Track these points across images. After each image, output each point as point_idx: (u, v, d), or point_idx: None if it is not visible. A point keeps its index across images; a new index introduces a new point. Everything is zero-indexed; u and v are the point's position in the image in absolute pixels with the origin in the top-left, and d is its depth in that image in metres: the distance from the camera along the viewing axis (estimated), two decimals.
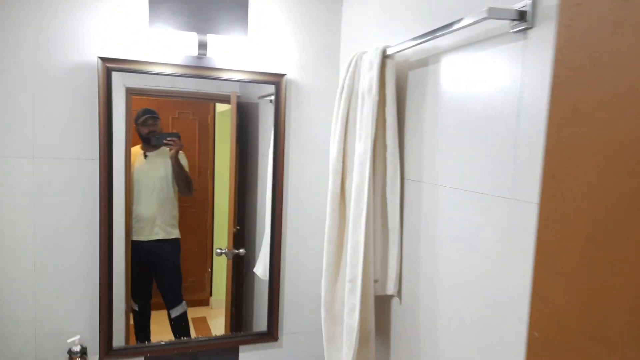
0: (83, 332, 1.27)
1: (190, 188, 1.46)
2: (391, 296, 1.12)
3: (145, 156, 1.39)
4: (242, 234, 1.56)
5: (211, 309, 1.57)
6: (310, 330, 1.50)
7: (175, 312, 1.46)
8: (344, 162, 1.14)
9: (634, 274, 0.43)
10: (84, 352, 1.27)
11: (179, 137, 1.40)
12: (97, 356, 1.29)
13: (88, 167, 1.24)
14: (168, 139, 1.39)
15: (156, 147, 1.39)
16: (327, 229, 1.15)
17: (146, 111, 1.37)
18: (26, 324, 1.23)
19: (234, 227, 1.56)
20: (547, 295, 0.48)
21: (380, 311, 1.16)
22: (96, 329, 1.28)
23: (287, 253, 1.48)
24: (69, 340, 1.25)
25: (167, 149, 1.40)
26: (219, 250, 1.52)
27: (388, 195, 1.07)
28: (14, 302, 1.21)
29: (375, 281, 1.11)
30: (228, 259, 1.51)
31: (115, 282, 1.29)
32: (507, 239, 0.73)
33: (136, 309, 1.40)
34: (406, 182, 1.06)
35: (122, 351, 1.31)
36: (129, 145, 1.33)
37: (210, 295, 1.59)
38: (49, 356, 1.25)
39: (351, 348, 1.06)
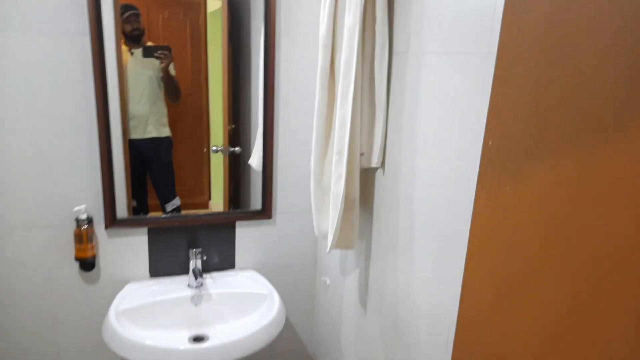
0: (88, 203, 1.37)
1: (179, 96, 1.48)
2: (375, 168, 1.20)
3: (132, 53, 1.38)
4: (237, 132, 1.60)
5: (211, 211, 1.65)
6: (301, 211, 1.60)
7: (171, 207, 1.54)
8: (333, 36, 1.15)
9: (569, 96, 0.48)
10: (90, 220, 1.37)
11: (169, 50, 1.40)
12: (103, 225, 1.40)
13: (80, 45, 1.25)
14: (159, 52, 1.38)
15: (139, 44, 1.38)
16: (316, 105, 1.19)
17: (127, 7, 1.33)
18: (32, 193, 1.31)
19: (229, 125, 1.60)
20: (499, 108, 0.54)
21: (364, 182, 1.24)
22: (100, 202, 1.37)
23: (280, 141, 1.53)
24: (75, 209, 1.34)
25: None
26: (214, 148, 1.57)
27: (376, 69, 1.10)
28: (19, 171, 1.28)
29: (361, 154, 1.18)
30: (224, 156, 1.57)
31: (115, 156, 1.36)
32: (481, 90, 0.77)
33: (134, 205, 1.48)
34: (394, 55, 1.08)
35: (126, 221, 1.42)
36: (119, 41, 1.32)
37: (210, 199, 1.67)
38: (57, 223, 1.35)
39: (337, 213, 1.15)
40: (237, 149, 1.58)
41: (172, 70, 1.43)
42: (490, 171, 0.55)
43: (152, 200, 1.54)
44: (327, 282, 1.59)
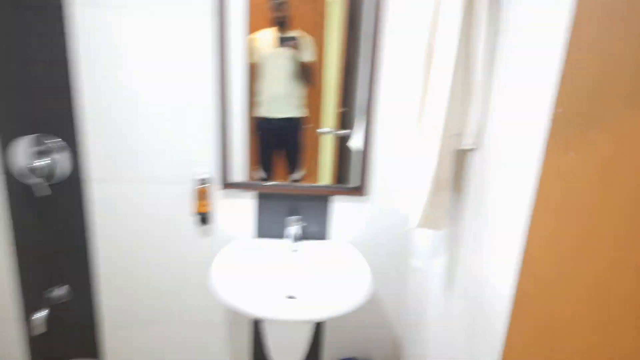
0: (208, 166, 1.56)
1: (309, 80, 1.61)
2: (470, 149, 1.18)
3: (279, 39, 1.53)
4: (348, 116, 1.67)
5: (312, 183, 1.75)
6: (396, 191, 1.63)
7: (297, 177, 1.67)
8: (437, 16, 1.15)
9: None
10: (208, 181, 1.57)
11: (295, 39, 1.53)
12: (219, 186, 1.59)
13: (207, 25, 1.43)
14: (289, 42, 1.53)
15: (285, 30, 1.52)
16: (416, 85, 1.21)
17: None
18: (165, 153, 1.54)
19: (340, 108, 1.68)
20: (571, 73, 0.52)
21: (459, 164, 1.23)
22: (219, 165, 1.56)
23: (379, 122, 1.57)
24: (197, 169, 1.55)
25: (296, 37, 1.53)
26: (325, 130, 1.66)
27: (477, 48, 1.08)
28: (156, 133, 1.52)
29: (456, 135, 1.17)
30: (333, 137, 1.66)
31: (235, 128, 1.53)
32: None
33: (264, 177, 1.64)
34: (497, 34, 1.05)
35: (238, 185, 1.59)
36: (246, 23, 1.47)
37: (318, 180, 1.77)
38: (184, 180, 1.57)
39: (425, 192, 1.16)
40: (346, 131, 1.65)
41: (308, 57, 1.55)
42: (558, 139, 0.53)
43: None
44: (417, 265, 1.60)
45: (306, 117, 1.64)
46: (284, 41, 1.54)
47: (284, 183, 1.64)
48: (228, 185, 1.59)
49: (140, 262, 1.66)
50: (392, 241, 1.70)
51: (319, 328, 1.80)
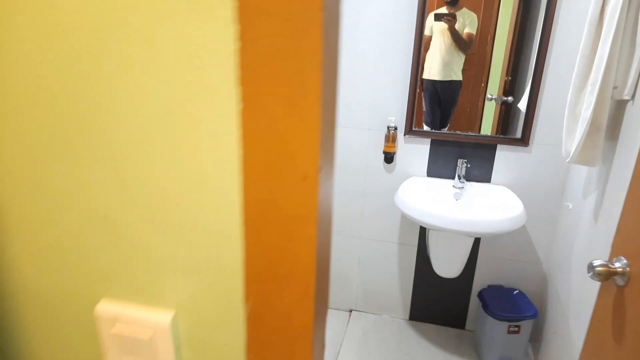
0: (396, 116, 2.04)
1: (463, 48, 1.95)
2: (627, 100, 1.42)
3: (449, 13, 1.91)
4: (513, 83, 1.97)
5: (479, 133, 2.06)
6: (556, 144, 1.89)
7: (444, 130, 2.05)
8: None
9: None
10: (395, 128, 2.04)
11: (453, 17, 1.88)
12: (403, 132, 2.05)
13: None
14: (444, 17, 1.88)
15: (456, 7, 1.89)
16: (581, 47, 1.48)
17: None
18: (365, 106, 2.06)
19: (506, 76, 1.99)
20: None
21: (616, 113, 1.47)
22: (404, 116, 2.02)
23: (547, 81, 1.84)
24: (388, 118, 2.04)
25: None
26: (489, 96, 1.99)
27: None
28: (359, 92, 2.04)
29: (615, 87, 1.42)
30: (497, 103, 1.98)
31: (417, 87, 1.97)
32: None
33: (429, 129, 2.05)
34: None
35: (417, 132, 2.04)
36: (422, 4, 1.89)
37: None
38: (377, 127, 2.08)
39: (581, 133, 1.45)
40: (509, 98, 1.96)
41: (467, 29, 1.91)
42: None
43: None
44: (570, 207, 1.85)
45: (460, 81, 1.98)
46: (439, 17, 1.91)
47: (458, 132, 2.03)
48: (410, 132, 2.04)
49: (339, 187, 2.23)
50: (549, 187, 1.97)
51: (474, 255, 2.17)
